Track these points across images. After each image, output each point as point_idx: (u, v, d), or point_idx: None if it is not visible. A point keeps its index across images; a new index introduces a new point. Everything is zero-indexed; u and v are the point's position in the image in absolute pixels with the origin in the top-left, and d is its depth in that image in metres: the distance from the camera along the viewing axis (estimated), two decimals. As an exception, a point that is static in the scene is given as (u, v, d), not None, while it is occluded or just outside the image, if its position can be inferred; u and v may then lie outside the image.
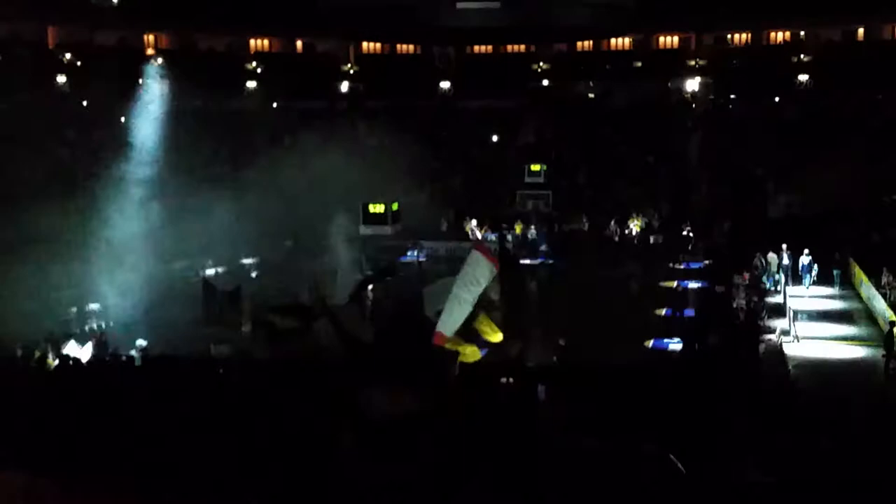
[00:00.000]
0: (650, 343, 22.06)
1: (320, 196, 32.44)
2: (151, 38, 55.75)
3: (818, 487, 5.25)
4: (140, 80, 45.77)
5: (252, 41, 57.36)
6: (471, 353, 19.71)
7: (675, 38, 57.18)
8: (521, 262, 33.30)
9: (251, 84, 53.78)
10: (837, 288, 27.31)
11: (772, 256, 27.72)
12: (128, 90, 37.90)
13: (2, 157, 30.00)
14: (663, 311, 25.11)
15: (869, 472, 5.35)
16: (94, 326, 22.70)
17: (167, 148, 31.99)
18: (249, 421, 8.97)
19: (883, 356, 19.24)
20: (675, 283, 29.07)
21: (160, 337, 21.29)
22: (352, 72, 57.11)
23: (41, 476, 4.19)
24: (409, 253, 29.53)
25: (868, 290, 24.95)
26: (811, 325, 23.40)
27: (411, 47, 58.72)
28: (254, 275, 28.68)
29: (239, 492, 4.26)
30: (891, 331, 19.27)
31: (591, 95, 55.11)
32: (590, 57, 56.82)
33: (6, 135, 31.38)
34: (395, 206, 25.47)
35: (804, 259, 27.27)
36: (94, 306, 23.77)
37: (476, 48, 58.18)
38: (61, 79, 49.65)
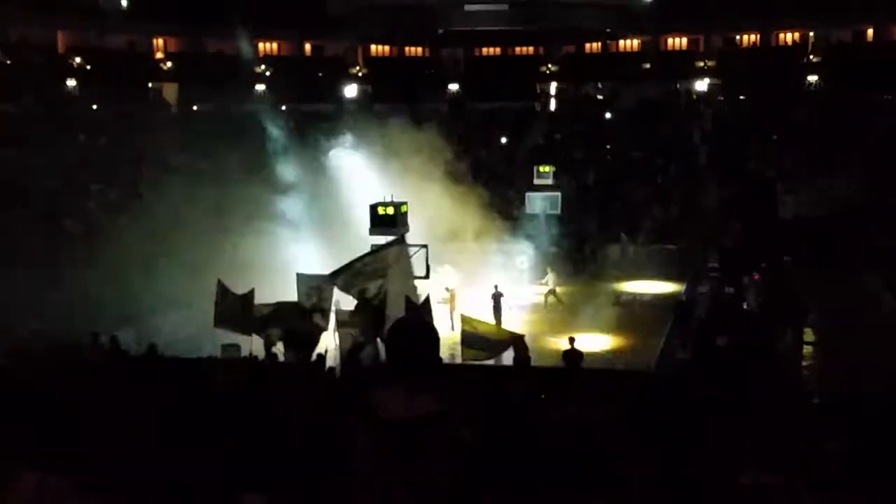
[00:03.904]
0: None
1: (329, 199, 32.38)
2: (160, 41, 55.96)
3: (825, 488, 5.25)
4: (149, 84, 46.08)
5: (261, 44, 57.52)
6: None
7: (684, 40, 57.16)
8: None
9: (260, 87, 53.87)
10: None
11: None
12: (137, 94, 38.06)
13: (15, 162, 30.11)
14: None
15: (877, 473, 5.35)
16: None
17: (178, 152, 32.05)
18: (263, 422, 9.02)
19: None
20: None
21: (172, 336, 21.38)
22: (360, 74, 57.19)
23: (52, 475, 4.22)
24: None
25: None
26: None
27: (420, 50, 58.82)
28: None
29: (251, 490, 4.29)
30: None
31: (600, 97, 55.09)
32: (598, 59, 56.84)
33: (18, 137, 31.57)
34: (403, 209, 25.37)
35: None
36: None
37: (485, 50, 58.26)
38: (71, 83, 49.86)
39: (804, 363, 21.63)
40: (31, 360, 17.67)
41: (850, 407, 13.41)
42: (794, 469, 5.80)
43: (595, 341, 23.49)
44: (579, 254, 34.42)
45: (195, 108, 49.93)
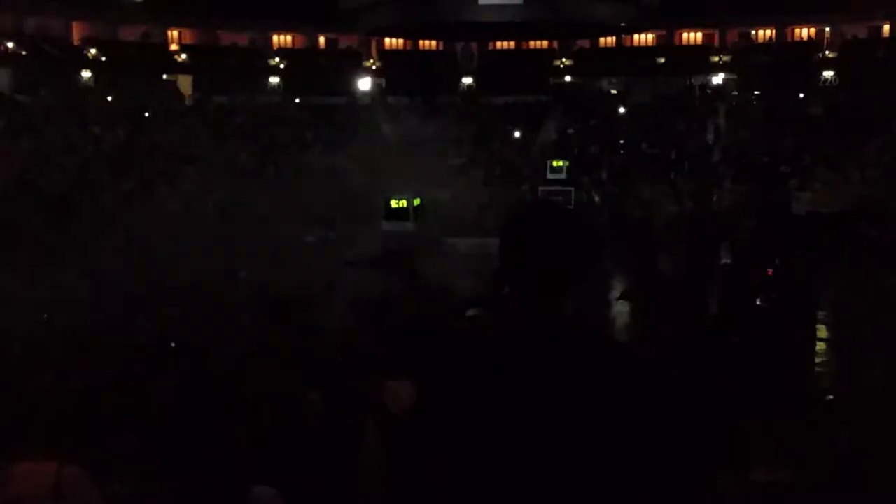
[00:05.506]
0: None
1: (343, 191, 32.34)
2: (175, 33, 56.09)
3: (832, 485, 5.26)
4: (164, 76, 46.05)
5: (275, 37, 57.60)
6: None
7: (699, 35, 56.95)
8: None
9: (274, 80, 53.98)
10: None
11: None
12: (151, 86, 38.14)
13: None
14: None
15: (883, 469, 5.35)
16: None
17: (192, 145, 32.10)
18: (272, 414, 9.04)
19: None
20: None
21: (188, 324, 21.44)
22: (374, 67, 57.19)
23: (69, 465, 4.26)
24: None
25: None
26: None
27: (433, 43, 58.71)
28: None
29: (259, 482, 4.33)
30: None
31: (614, 92, 54.93)
32: (612, 53, 56.67)
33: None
34: (417, 202, 25.42)
35: None
36: None
37: (498, 44, 58.11)
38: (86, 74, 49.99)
39: (817, 360, 21.55)
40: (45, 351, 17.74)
41: (863, 404, 13.37)
42: (806, 466, 5.80)
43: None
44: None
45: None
